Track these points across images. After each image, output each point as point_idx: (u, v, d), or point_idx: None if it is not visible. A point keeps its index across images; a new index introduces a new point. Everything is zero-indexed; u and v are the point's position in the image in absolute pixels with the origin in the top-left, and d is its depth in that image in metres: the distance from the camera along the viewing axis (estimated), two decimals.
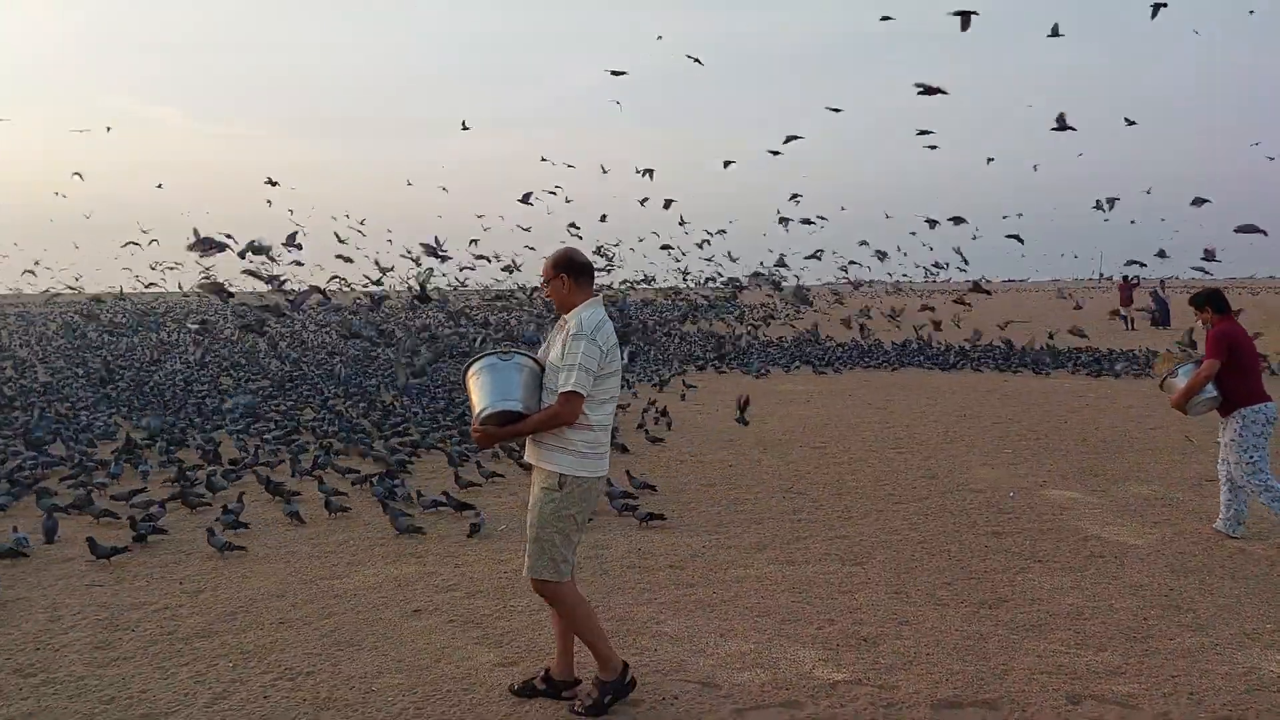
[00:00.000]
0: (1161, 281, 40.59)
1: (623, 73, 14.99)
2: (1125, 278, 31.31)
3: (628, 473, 8.18)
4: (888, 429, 11.38)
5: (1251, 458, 6.38)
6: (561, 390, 3.82)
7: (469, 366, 4.03)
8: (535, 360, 4.02)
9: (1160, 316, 30.86)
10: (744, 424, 11.09)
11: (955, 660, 4.45)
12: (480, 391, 3.91)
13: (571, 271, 4.04)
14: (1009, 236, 17.64)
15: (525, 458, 4.07)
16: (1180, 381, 6.62)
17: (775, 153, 16.17)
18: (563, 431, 3.88)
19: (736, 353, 20.93)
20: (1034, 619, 4.98)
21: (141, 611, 5.22)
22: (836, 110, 15.65)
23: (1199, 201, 13.80)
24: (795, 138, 15.71)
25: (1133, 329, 28.34)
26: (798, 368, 18.88)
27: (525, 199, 18.57)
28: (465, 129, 18.18)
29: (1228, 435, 6.54)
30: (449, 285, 30.19)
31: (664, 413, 11.91)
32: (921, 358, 19.79)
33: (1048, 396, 13.79)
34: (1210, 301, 6.64)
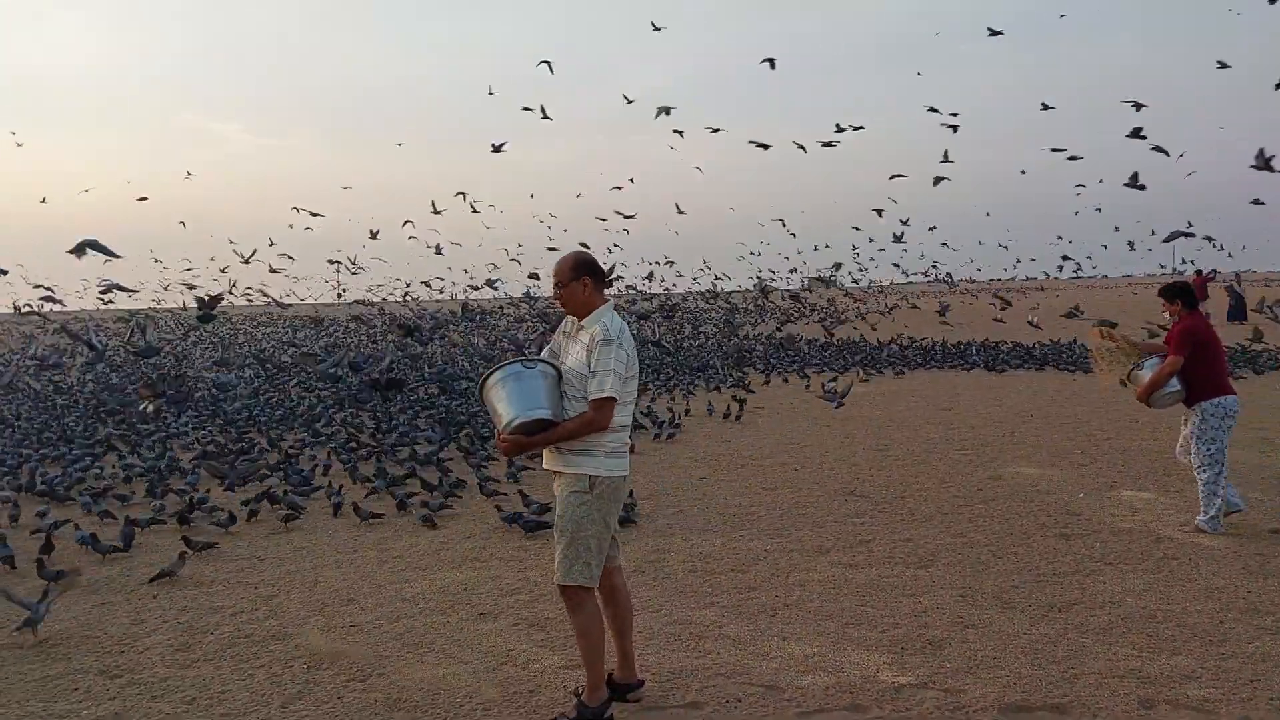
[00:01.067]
0: (1237, 275, 39.35)
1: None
2: (1199, 272, 30.47)
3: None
4: (951, 430, 11.22)
5: (1209, 450, 6.49)
6: (596, 396, 3.82)
7: (489, 376, 3.95)
8: (555, 367, 3.99)
9: (1237, 310, 29.98)
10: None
11: (1023, 664, 4.39)
12: (506, 401, 3.85)
13: (594, 274, 4.00)
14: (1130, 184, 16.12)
15: (546, 465, 4.02)
16: (1145, 375, 6.71)
17: (829, 144, 16.03)
18: (592, 434, 3.87)
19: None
20: (1104, 622, 4.89)
21: (219, 615, 5.39)
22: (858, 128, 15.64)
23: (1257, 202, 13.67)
24: (853, 129, 15.66)
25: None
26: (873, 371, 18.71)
27: (498, 148, 17.01)
28: (546, 118, 16.95)
29: (1190, 427, 6.64)
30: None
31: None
32: (977, 358, 19.35)
33: (1116, 395, 13.47)
34: (1182, 295, 6.76)
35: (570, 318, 4.09)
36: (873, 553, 6.26)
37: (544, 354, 4.13)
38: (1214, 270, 33.30)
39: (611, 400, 3.83)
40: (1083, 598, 5.28)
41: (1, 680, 4.53)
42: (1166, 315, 6.90)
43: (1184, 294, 6.78)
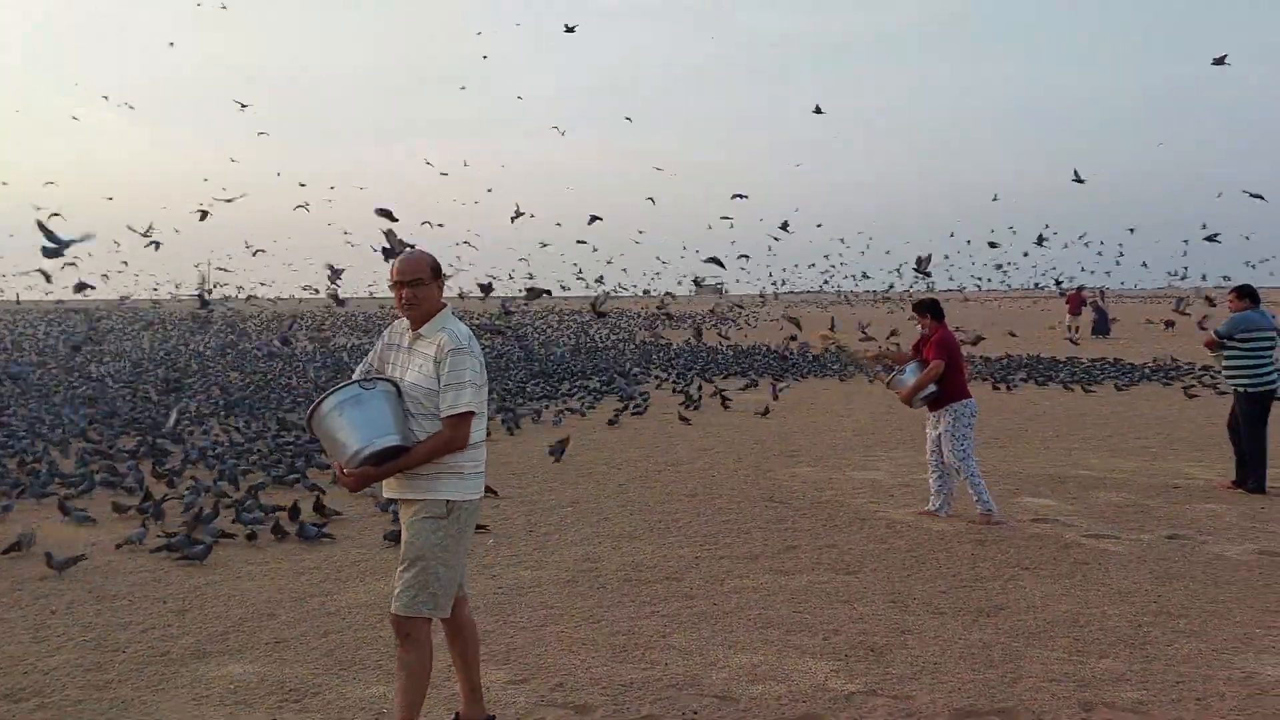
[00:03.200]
0: (1101, 292, 41.71)
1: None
2: (1078, 289, 32.16)
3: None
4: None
5: (963, 446, 7.29)
6: (453, 413, 3.44)
7: (321, 403, 3.47)
8: (393, 383, 3.57)
9: (1101, 325, 31.70)
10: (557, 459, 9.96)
11: (964, 669, 4.49)
12: (348, 429, 3.41)
13: (440, 276, 3.65)
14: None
15: (387, 493, 3.61)
16: (908, 379, 7.48)
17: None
18: (446, 456, 3.51)
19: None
20: (1033, 626, 5.05)
21: (129, 631, 5.04)
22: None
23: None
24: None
25: (1076, 342, 28.97)
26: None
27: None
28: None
29: (941, 428, 7.40)
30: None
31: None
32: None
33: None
34: (930, 309, 7.58)
35: (399, 325, 3.68)
36: (800, 559, 6.32)
37: (363, 370, 3.72)
38: (1082, 286, 35.23)
39: (469, 415, 3.48)
40: (1007, 602, 5.45)
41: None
42: (919, 327, 7.71)
43: (932, 308, 7.57)
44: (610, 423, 12.70)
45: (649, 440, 11.45)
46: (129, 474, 8.86)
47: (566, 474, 9.38)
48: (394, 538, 6.82)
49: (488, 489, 7.28)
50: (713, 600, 5.49)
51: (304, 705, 4.15)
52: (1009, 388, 16.90)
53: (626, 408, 13.70)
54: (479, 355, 3.57)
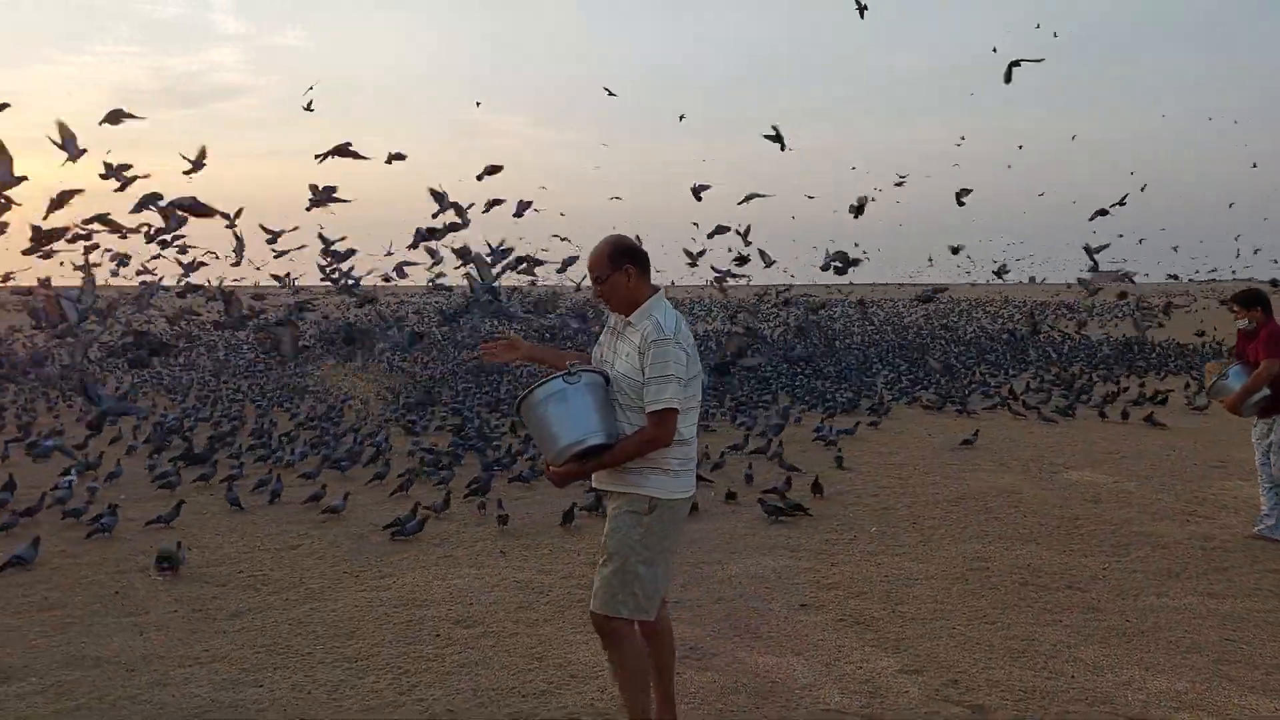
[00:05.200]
0: None
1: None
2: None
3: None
4: None
5: None
6: (654, 408, 3.26)
7: (529, 395, 3.38)
8: (600, 373, 3.42)
9: None
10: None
11: None
12: (555, 425, 3.32)
13: (636, 261, 3.42)
14: None
15: (595, 484, 3.47)
16: (1233, 384, 6.56)
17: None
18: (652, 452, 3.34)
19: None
20: None
21: (551, 577, 5.67)
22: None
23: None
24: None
25: None
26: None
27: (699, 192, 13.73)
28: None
29: (1272, 437, 6.48)
30: None
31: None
32: None
33: None
34: (1257, 301, 6.66)
35: (616, 314, 3.52)
36: (1234, 582, 5.58)
37: (593, 356, 3.59)
38: None
39: (673, 411, 3.26)
40: None
41: (372, 623, 4.98)
42: (1240, 322, 6.77)
43: (1261, 299, 6.69)
44: (1045, 419, 11.97)
45: (1045, 439, 10.69)
46: None
47: (952, 468, 9.04)
48: (773, 511, 7.02)
49: (700, 477, 7.23)
50: (1124, 616, 5.03)
51: (704, 664, 4.41)
52: None
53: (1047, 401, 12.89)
54: (686, 346, 3.34)
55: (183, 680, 4.21)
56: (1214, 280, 42.17)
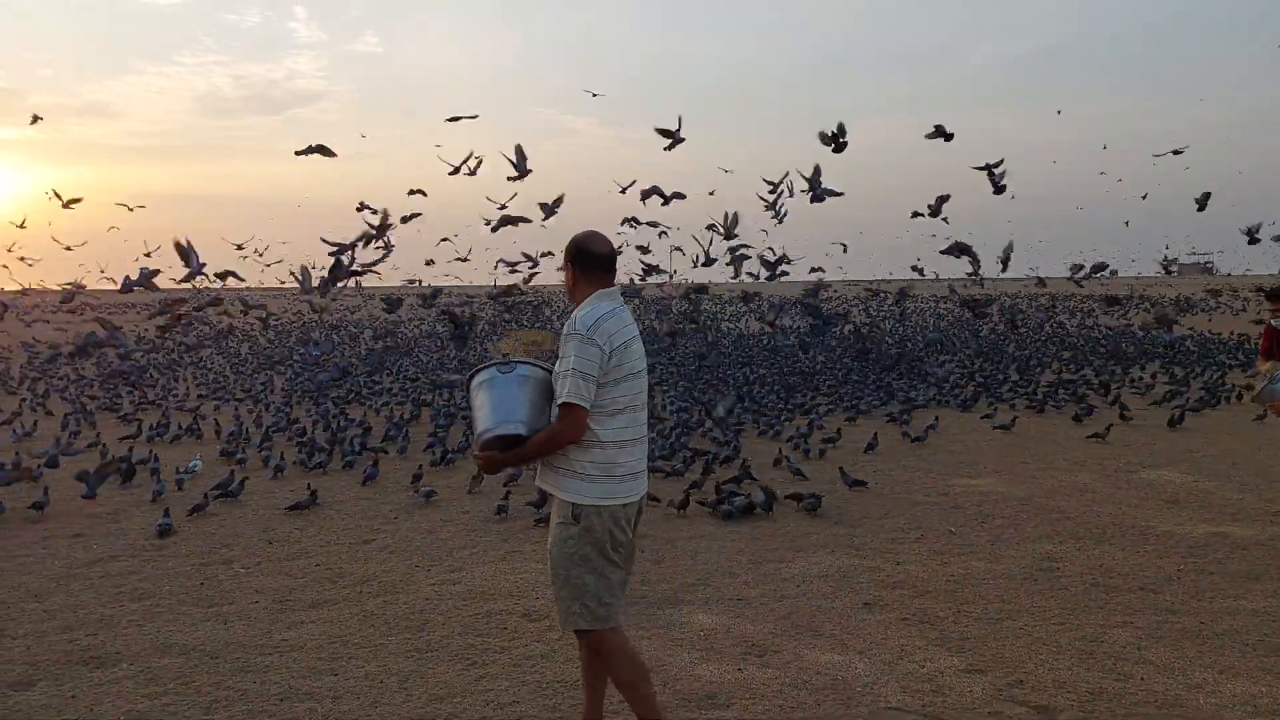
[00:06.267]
0: None
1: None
2: None
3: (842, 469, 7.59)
4: None
5: None
6: (558, 401, 3.23)
7: (470, 380, 3.46)
8: (545, 369, 3.43)
9: None
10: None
11: None
12: (479, 411, 3.36)
13: (578, 261, 3.41)
14: None
15: (538, 483, 3.45)
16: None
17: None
18: (569, 452, 3.27)
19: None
20: None
21: None
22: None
23: None
24: None
25: None
26: None
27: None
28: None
29: None
30: None
31: None
32: None
33: None
34: None
35: None
36: None
37: None
38: None
39: (576, 407, 3.19)
40: None
41: (441, 616, 5.12)
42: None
43: None
44: (1171, 423, 11.19)
45: (1118, 435, 10.43)
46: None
47: (1025, 466, 8.89)
48: (811, 503, 6.99)
49: (652, 496, 7.19)
50: (1199, 618, 4.91)
51: (766, 661, 4.44)
52: None
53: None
54: (602, 343, 3.23)
55: (264, 668, 4.40)
56: None
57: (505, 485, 7.86)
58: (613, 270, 3.46)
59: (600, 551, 3.27)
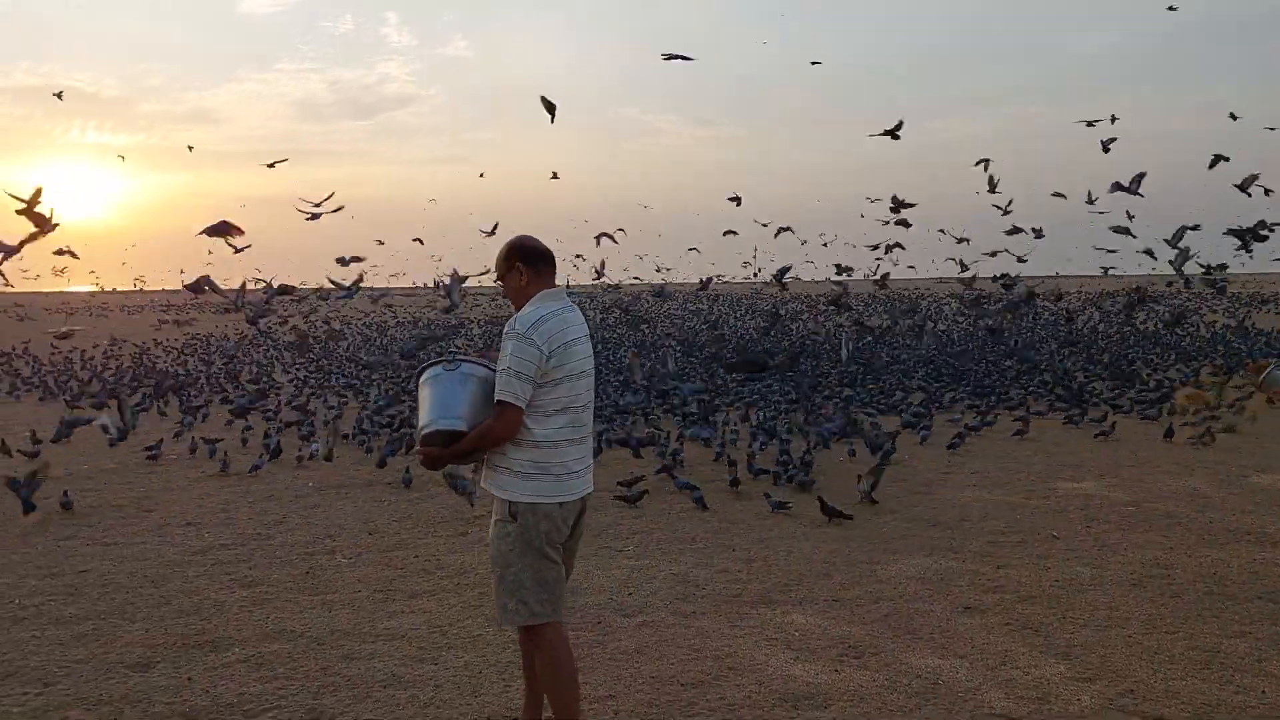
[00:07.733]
0: None
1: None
2: None
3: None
4: None
5: None
6: (495, 399, 3.25)
7: (417, 377, 3.53)
8: (490, 368, 3.40)
9: None
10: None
11: None
12: (424, 405, 3.41)
13: (527, 260, 3.41)
14: None
15: (483, 484, 3.45)
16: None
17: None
18: (506, 450, 3.29)
19: None
20: None
21: (708, 571, 5.75)
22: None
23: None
24: None
25: None
26: None
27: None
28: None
29: None
30: None
31: None
32: None
33: None
34: None
35: None
36: None
37: None
38: None
39: (511, 406, 3.21)
40: None
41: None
42: None
43: None
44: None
45: (1230, 440, 9.98)
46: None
47: (1130, 470, 8.58)
48: (859, 499, 6.84)
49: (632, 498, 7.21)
50: None
51: (863, 663, 4.38)
52: None
53: None
54: (540, 343, 3.22)
55: (368, 655, 4.53)
56: None
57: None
58: (554, 270, 3.52)
59: (537, 549, 3.30)
